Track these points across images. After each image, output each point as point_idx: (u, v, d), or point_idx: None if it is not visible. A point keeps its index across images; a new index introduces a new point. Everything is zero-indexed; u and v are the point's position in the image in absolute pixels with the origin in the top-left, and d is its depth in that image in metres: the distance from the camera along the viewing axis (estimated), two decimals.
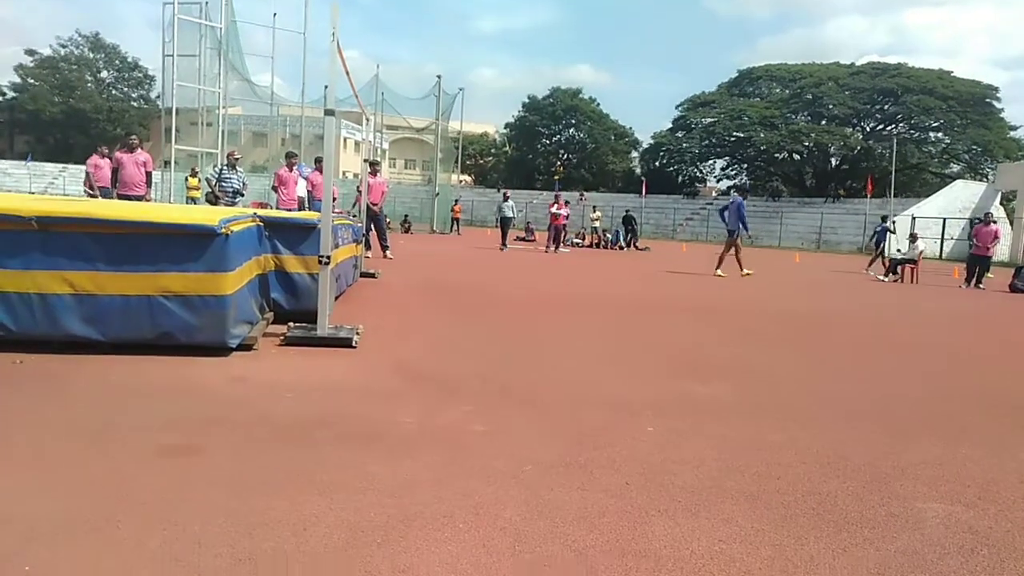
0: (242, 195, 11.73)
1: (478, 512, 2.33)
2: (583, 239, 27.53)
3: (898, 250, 18.29)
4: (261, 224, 5.28)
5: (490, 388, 4.10)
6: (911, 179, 47.35)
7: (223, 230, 4.32)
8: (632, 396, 4.10)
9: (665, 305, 9.29)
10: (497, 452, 2.94)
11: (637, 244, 26.69)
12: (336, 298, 6.62)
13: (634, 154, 62.91)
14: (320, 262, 4.97)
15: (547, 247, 21.56)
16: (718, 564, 2.08)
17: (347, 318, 5.72)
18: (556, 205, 21.57)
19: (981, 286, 15.26)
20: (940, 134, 48.75)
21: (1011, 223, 33.91)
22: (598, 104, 61.58)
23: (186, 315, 4.30)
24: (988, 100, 46.76)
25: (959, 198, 37.27)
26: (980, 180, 41.96)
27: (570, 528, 2.26)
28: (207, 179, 13.67)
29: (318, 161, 12.69)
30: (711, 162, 56.86)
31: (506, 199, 22.01)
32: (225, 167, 11.96)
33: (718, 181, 57.90)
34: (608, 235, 27.13)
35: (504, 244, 20.60)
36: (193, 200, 19.41)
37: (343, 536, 2.11)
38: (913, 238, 17.47)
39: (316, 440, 2.98)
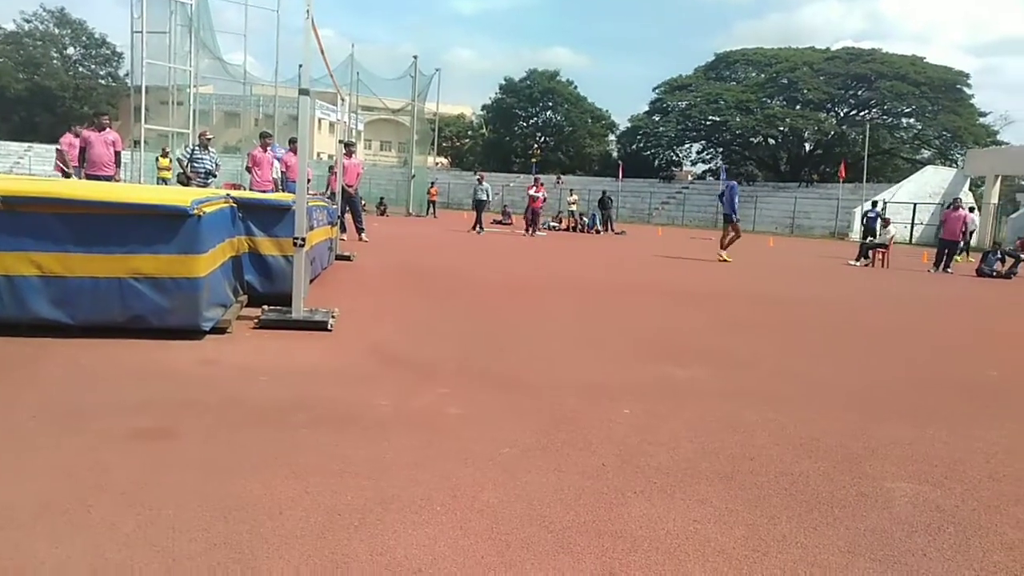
0: (214, 176, 11.54)
1: (455, 494, 2.34)
2: (560, 222, 27.54)
3: (869, 237, 18.53)
4: (234, 205, 5.21)
5: (467, 371, 4.10)
6: (883, 164, 47.95)
7: (195, 211, 4.25)
8: (609, 379, 4.13)
9: (642, 288, 9.34)
10: (474, 435, 2.95)
11: (613, 228, 26.76)
12: (311, 281, 6.56)
13: (611, 137, 62.90)
14: (295, 244, 4.91)
15: (525, 230, 21.61)
16: (693, 544, 2.11)
17: (322, 301, 5.67)
18: (534, 188, 21.63)
19: (949, 271, 15.56)
20: (912, 120, 49.38)
21: (979, 209, 34.51)
22: (575, 87, 61.42)
23: (158, 298, 4.23)
24: (959, 87, 47.37)
25: (929, 183, 37.85)
26: (950, 166, 42.61)
27: (547, 509, 2.27)
28: (179, 159, 13.45)
29: (292, 142, 12.51)
30: (687, 146, 57.06)
31: (480, 182, 21.94)
32: (197, 147, 11.75)
33: (693, 164, 58.21)
34: (585, 219, 27.16)
35: (479, 227, 20.52)
36: (164, 181, 19.09)
37: (320, 519, 2.10)
38: (885, 223, 17.75)
39: (291, 423, 2.96)
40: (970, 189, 37.92)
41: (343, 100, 11.45)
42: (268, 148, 12.27)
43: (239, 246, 5.33)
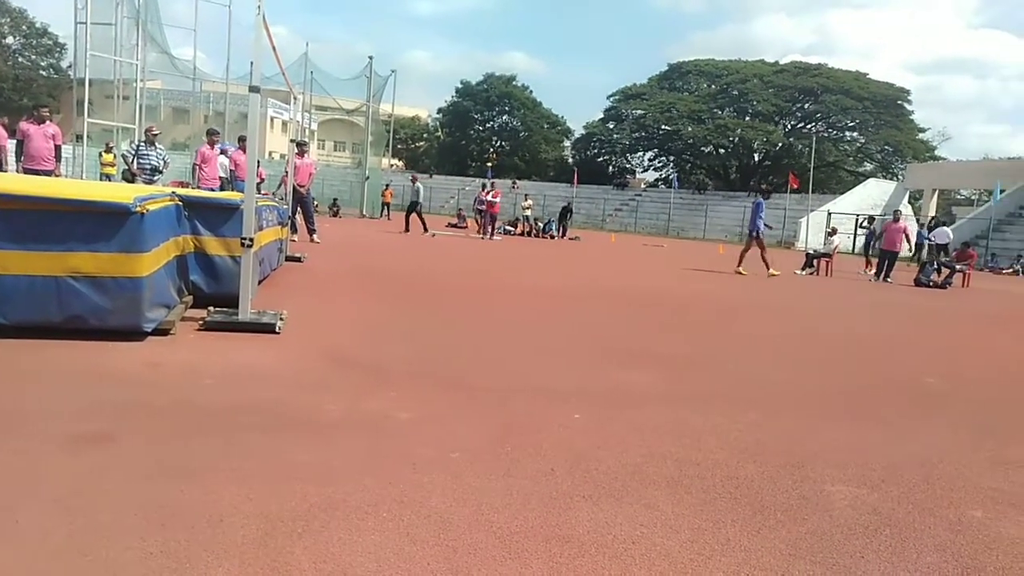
0: (161, 173, 11.22)
1: (403, 500, 2.31)
2: (515, 227, 27.60)
3: (813, 249, 19.05)
4: (180, 203, 5.07)
5: (418, 374, 4.07)
6: (828, 176, 49.47)
7: (138, 208, 4.12)
8: (561, 383, 4.14)
9: (594, 293, 9.41)
10: (423, 439, 2.92)
11: (566, 233, 26.95)
12: (260, 282, 6.44)
13: (566, 143, 63.43)
14: (242, 244, 4.81)
15: (482, 234, 21.73)
16: (639, 548, 2.13)
17: (271, 303, 5.56)
18: (491, 193, 21.73)
19: (889, 280, 16.08)
20: (855, 133, 51.09)
21: (918, 221, 35.82)
22: (532, 92, 61.79)
23: (97, 297, 4.09)
24: (900, 103, 49.21)
25: (871, 196, 39.11)
26: (891, 179, 44.11)
27: (495, 515, 2.26)
28: (124, 155, 13.05)
29: (242, 140, 12.26)
30: (641, 154, 57.94)
31: (413, 182, 21.87)
32: (143, 143, 11.41)
33: (645, 171, 59.04)
34: (540, 224, 27.28)
35: (407, 228, 20.24)
36: (108, 177, 18.47)
37: (261, 527, 2.05)
38: (831, 233, 18.28)
39: (235, 428, 2.89)
40: (909, 202, 39.32)
41: (296, 99, 11.26)
42: (215, 145, 12.03)
43: (184, 245, 5.19)
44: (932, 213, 37.53)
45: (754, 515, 2.44)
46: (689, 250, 26.01)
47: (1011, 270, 26.62)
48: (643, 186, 54.73)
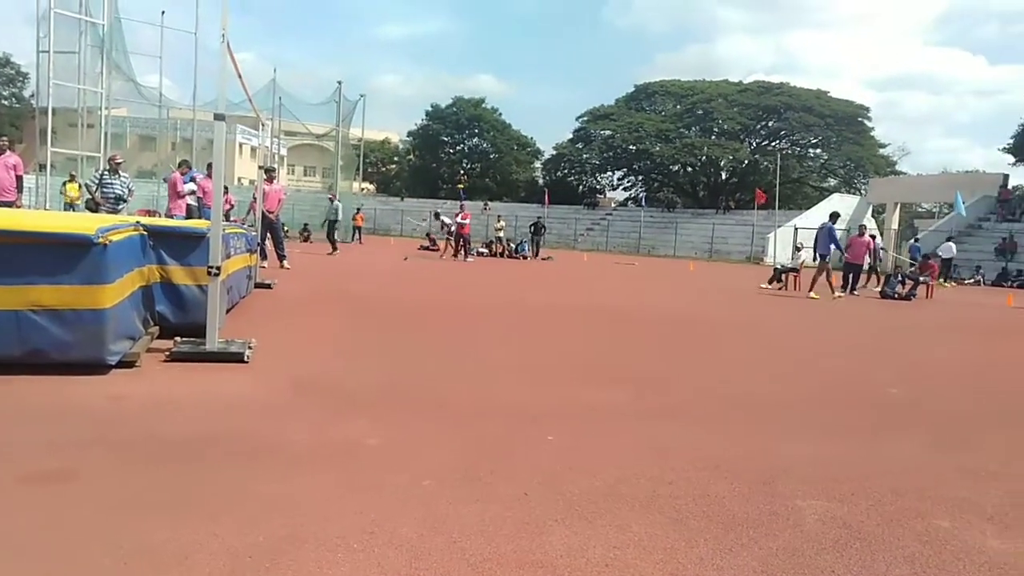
0: (126, 201, 11.07)
1: (373, 530, 2.28)
2: (489, 248, 27.62)
3: (781, 264, 19.33)
4: (144, 233, 5.00)
5: (389, 401, 4.03)
6: (793, 192, 50.34)
7: (100, 239, 4.05)
8: (534, 404, 4.13)
9: (567, 313, 9.43)
10: (394, 466, 2.89)
11: (539, 253, 27.05)
12: (228, 311, 6.35)
13: (537, 164, 63.84)
14: (209, 273, 4.75)
15: (454, 256, 21.80)
16: (613, 571, 2.12)
17: (240, 331, 5.49)
18: (461, 215, 21.93)
19: (855, 292, 16.36)
20: (819, 150, 52.15)
21: (881, 234, 36.58)
22: (501, 114, 62.22)
23: (59, 331, 4.00)
24: (860, 119, 50.40)
25: (835, 210, 39.83)
26: (854, 194, 45.02)
27: (468, 542, 2.24)
28: (87, 185, 12.90)
29: (211, 167, 12.19)
30: (610, 173, 58.48)
31: (332, 201, 21.69)
32: (106, 172, 11.26)
33: (614, 190, 59.60)
34: (513, 244, 27.35)
35: (334, 248, 19.82)
36: (71, 207, 18.19)
37: (228, 563, 2.00)
38: (798, 248, 18.58)
39: (201, 461, 2.83)
40: (873, 216, 40.14)
41: (264, 125, 11.23)
42: (186, 175, 12.01)
43: (149, 275, 5.11)
44: (895, 226, 38.44)
45: (726, 533, 2.44)
46: (660, 268, 26.26)
47: (972, 280, 27.26)
48: (613, 205, 55.23)
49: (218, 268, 4.76)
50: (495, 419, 3.74)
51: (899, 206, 40.40)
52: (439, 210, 28.10)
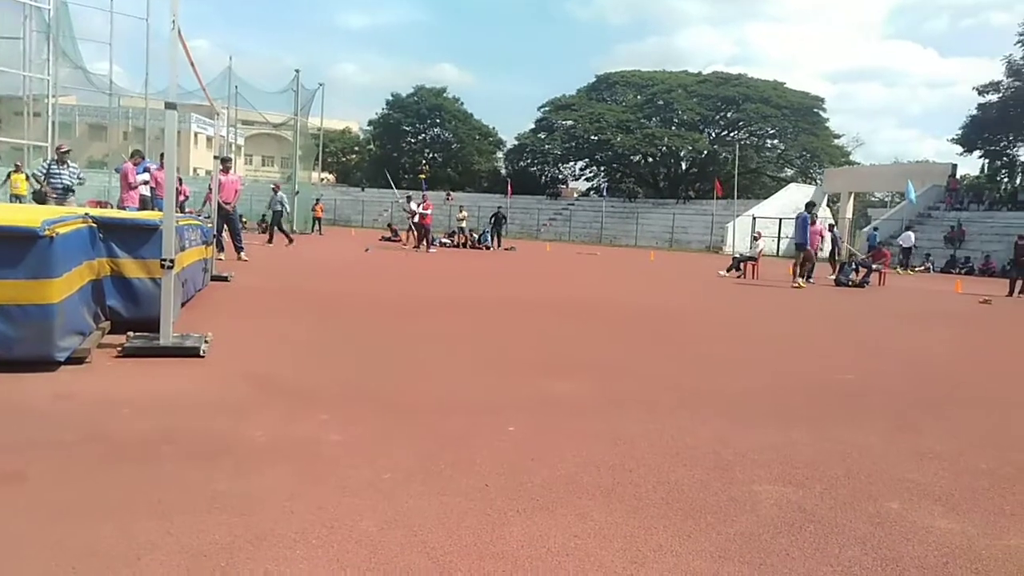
0: (73, 192, 10.75)
1: (332, 526, 2.25)
2: (451, 239, 27.51)
3: (740, 253, 19.64)
4: (94, 225, 4.86)
5: (349, 396, 3.99)
6: (752, 182, 51.18)
7: (47, 232, 3.92)
8: (495, 396, 4.13)
9: (529, 304, 9.45)
10: (354, 462, 2.86)
11: (501, 243, 27.03)
12: (183, 304, 6.22)
13: (499, 154, 63.73)
14: (162, 265, 4.63)
15: (416, 247, 21.72)
16: (573, 560, 2.13)
17: (195, 325, 5.38)
18: (423, 205, 21.79)
19: (811, 280, 16.71)
20: (776, 141, 53.04)
21: (836, 223, 37.42)
22: (462, 104, 61.92)
23: (4, 327, 3.86)
24: (816, 110, 51.38)
25: (793, 200, 40.60)
26: (811, 183, 45.95)
27: (428, 535, 2.23)
28: (34, 175, 12.48)
29: (164, 157, 11.89)
30: (572, 163, 58.70)
31: (276, 192, 21.12)
32: (54, 162, 10.93)
33: (576, 180, 59.87)
34: (476, 235, 27.29)
35: (270, 239, 19.73)
36: (18, 199, 17.58)
37: (183, 563, 1.96)
38: (756, 237, 18.91)
39: (155, 459, 2.77)
40: (828, 205, 41.03)
41: (218, 114, 10.97)
42: (139, 165, 11.68)
43: (100, 269, 4.96)
44: (849, 215, 39.36)
45: (685, 519, 2.48)
46: (622, 257, 26.47)
47: (922, 267, 28.06)
48: (576, 195, 55.47)
49: (171, 261, 4.65)
50: (457, 412, 3.73)
51: (853, 195, 41.37)
52: (411, 194, 27.82)
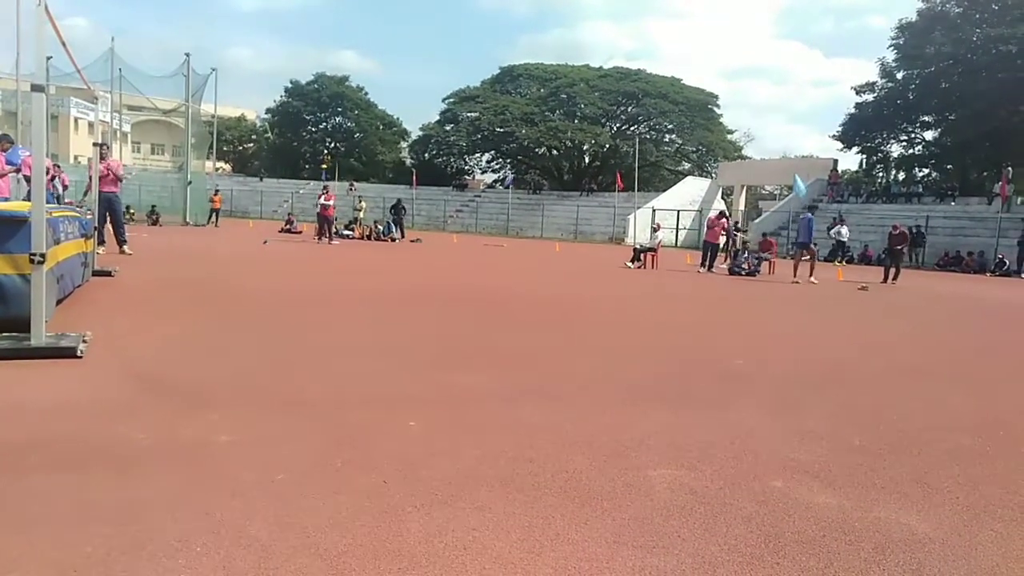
0: None
1: (219, 531, 2.15)
2: (354, 230, 26.96)
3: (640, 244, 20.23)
4: None
5: (242, 394, 3.83)
6: (651, 175, 52.77)
7: None
8: (396, 390, 4.08)
9: (432, 295, 9.38)
10: (246, 463, 2.75)
11: (404, 234, 26.73)
12: (59, 301, 5.81)
13: (403, 145, 62.90)
14: (32, 261, 4.30)
15: (318, 238, 21.17)
16: (470, 553, 2.12)
17: (73, 324, 5.04)
18: (324, 196, 21.30)
19: (713, 270, 17.44)
20: (674, 135, 54.77)
21: (730, 215, 39.11)
22: (366, 92, 60.74)
23: None
24: (711, 106, 53.42)
25: (689, 192, 42.18)
26: (706, 177, 47.77)
27: (322, 536, 2.17)
28: None
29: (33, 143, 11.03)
30: (478, 155, 58.68)
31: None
32: None
33: (483, 173, 59.94)
34: (379, 226, 26.86)
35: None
36: None
37: None
38: (655, 228, 19.54)
39: (21, 468, 2.57)
40: (722, 197, 42.80)
41: (96, 99, 10.27)
42: (7, 151, 10.75)
43: None
44: (742, 207, 41.21)
45: (582, 507, 2.52)
46: (528, 249, 26.72)
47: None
48: (482, 187, 55.50)
49: (43, 255, 4.32)
50: (355, 408, 3.65)
51: (745, 188, 43.32)
52: (327, 185, 27.02)
